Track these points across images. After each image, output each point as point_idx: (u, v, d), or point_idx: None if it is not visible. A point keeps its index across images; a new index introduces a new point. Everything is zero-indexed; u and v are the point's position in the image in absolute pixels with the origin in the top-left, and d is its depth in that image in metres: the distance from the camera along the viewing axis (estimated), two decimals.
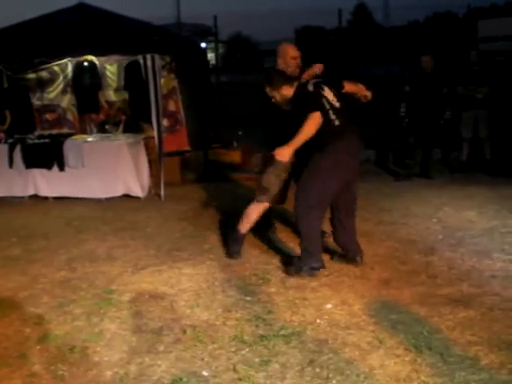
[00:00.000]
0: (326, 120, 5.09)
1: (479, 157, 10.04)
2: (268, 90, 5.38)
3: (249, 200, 8.01)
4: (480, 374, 3.56)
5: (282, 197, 5.94)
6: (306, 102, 5.16)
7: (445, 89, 9.35)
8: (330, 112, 5.16)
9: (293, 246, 6.01)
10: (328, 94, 5.24)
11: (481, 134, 9.77)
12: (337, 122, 5.17)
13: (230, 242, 5.98)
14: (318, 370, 3.67)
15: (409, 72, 10.41)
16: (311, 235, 5.23)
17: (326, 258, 5.50)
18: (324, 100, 5.19)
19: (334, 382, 3.54)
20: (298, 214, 5.23)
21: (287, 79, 5.38)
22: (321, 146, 5.15)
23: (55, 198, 8.68)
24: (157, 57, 8.83)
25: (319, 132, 5.04)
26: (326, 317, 4.42)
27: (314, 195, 5.12)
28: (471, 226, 6.70)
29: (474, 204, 7.56)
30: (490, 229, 6.56)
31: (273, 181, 5.72)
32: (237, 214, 7.30)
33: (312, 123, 5.01)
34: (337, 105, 5.23)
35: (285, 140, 5.12)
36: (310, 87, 5.26)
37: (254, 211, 5.86)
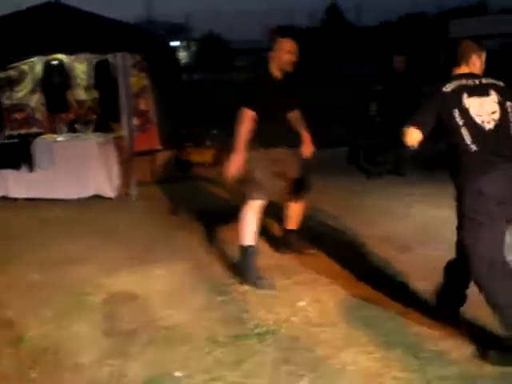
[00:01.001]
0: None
1: None
2: None
3: (222, 199, 8.08)
4: (451, 368, 3.60)
5: (295, 191, 5.51)
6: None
7: (417, 88, 9.41)
8: None
9: (262, 244, 6.02)
10: None
11: None
12: None
13: (244, 268, 5.17)
14: (292, 368, 3.67)
15: (380, 71, 10.48)
16: None
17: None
18: None
19: (307, 379, 3.55)
20: None
21: None
22: None
23: (26, 200, 8.57)
24: (127, 55, 8.77)
25: None
26: (300, 314, 4.43)
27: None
28: (443, 223, 6.73)
29: (446, 200, 7.56)
30: None
31: (261, 174, 5.16)
32: (209, 213, 7.34)
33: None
34: None
35: None
36: None
37: (249, 214, 5.16)
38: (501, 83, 3.92)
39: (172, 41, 19.16)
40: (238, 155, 5.00)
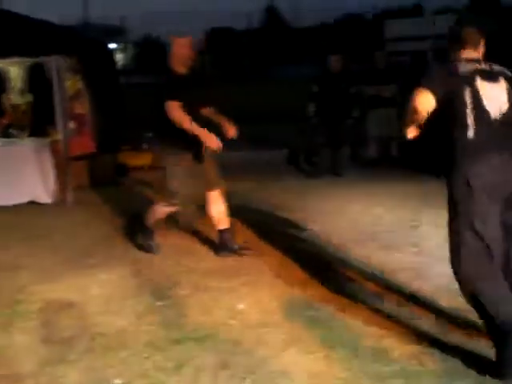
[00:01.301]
0: None
1: (386, 154, 10.31)
2: None
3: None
4: (392, 366, 3.62)
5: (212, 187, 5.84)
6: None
7: (353, 88, 9.54)
8: None
9: (201, 247, 6.07)
10: None
11: (388, 132, 10.02)
12: None
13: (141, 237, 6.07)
14: (232, 371, 3.64)
15: (317, 72, 10.57)
16: None
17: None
18: None
19: (248, 381, 3.53)
20: None
21: None
22: None
23: None
24: (61, 58, 8.64)
25: None
26: (240, 317, 4.41)
27: None
28: (380, 222, 6.86)
29: (383, 199, 7.74)
30: (398, 223, 6.74)
31: (177, 183, 5.63)
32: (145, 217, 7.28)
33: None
34: None
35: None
36: None
37: (158, 212, 5.91)
38: (509, 72, 3.83)
39: (109, 43, 18.91)
40: (202, 132, 5.37)
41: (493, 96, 3.65)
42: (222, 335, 4.12)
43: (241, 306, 4.60)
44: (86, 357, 3.92)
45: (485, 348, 3.72)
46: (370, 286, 4.92)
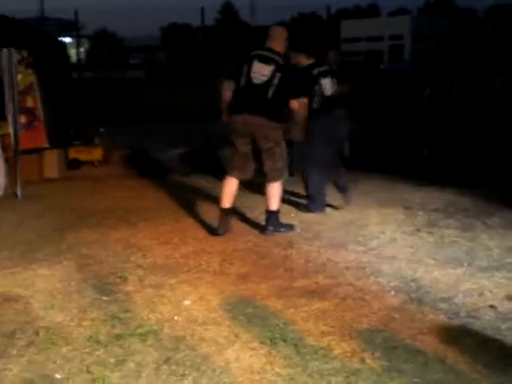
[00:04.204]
0: None
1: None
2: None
3: (109, 197, 8.04)
4: (332, 363, 3.68)
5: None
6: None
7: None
8: None
9: (150, 243, 6.10)
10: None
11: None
12: None
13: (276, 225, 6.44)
14: (174, 367, 3.67)
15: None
16: None
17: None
18: None
19: (189, 378, 3.56)
20: None
21: None
22: None
23: None
24: (13, 51, 8.55)
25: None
26: (184, 313, 4.43)
27: None
28: (328, 220, 6.95)
29: (331, 198, 7.83)
30: (346, 222, 6.83)
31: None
32: (95, 212, 7.29)
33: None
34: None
35: None
36: None
37: (280, 190, 6.53)
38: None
39: (64, 37, 18.74)
40: None
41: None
42: (166, 331, 4.14)
43: (186, 303, 4.63)
44: (28, 351, 3.91)
45: (427, 346, 3.86)
46: (313, 284, 4.99)
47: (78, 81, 13.88)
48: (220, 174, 7.25)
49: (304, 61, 7.28)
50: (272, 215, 6.36)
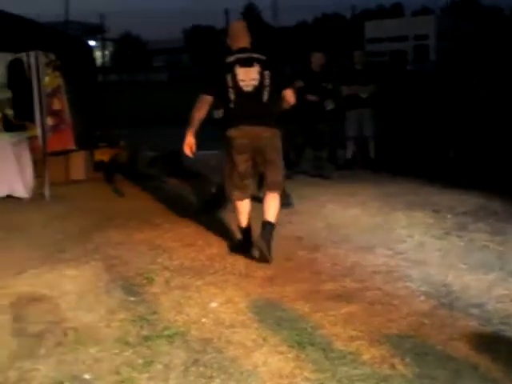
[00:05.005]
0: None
1: (364, 155, 10.36)
2: None
3: (136, 199, 8.07)
4: (362, 368, 3.63)
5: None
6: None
7: (329, 85, 9.52)
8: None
9: (175, 245, 6.09)
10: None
11: (366, 133, 10.07)
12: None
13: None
14: (201, 369, 3.66)
15: (296, 68, 10.54)
16: None
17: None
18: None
19: (217, 380, 3.53)
20: None
21: None
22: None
23: None
24: (40, 54, 8.62)
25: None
26: (211, 316, 4.41)
27: None
28: (355, 223, 6.90)
29: (358, 201, 7.78)
30: (373, 225, 6.77)
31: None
32: (121, 213, 7.32)
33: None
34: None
35: None
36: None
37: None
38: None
39: (88, 40, 18.86)
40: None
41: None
42: (193, 333, 4.13)
43: (213, 305, 4.61)
44: (57, 351, 3.92)
45: (458, 352, 3.79)
46: (341, 288, 4.94)
47: (103, 83, 13.93)
48: None
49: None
50: (271, 227, 5.65)
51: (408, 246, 6.00)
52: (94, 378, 3.61)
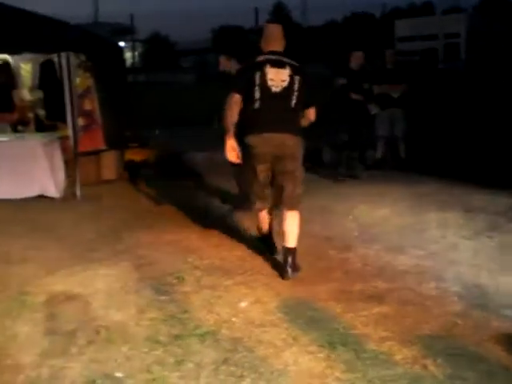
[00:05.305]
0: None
1: (394, 155, 10.29)
2: None
3: (168, 199, 8.11)
4: (394, 369, 3.62)
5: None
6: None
7: (366, 85, 9.49)
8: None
9: (206, 245, 6.12)
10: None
11: (396, 133, 10.01)
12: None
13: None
14: (232, 368, 3.66)
15: (335, 70, 10.49)
16: None
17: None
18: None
19: (248, 380, 3.54)
20: None
21: None
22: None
23: None
24: (72, 55, 8.70)
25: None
26: (241, 315, 4.42)
27: None
28: (386, 223, 6.86)
29: (389, 201, 7.73)
30: (404, 225, 6.73)
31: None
32: (151, 213, 7.35)
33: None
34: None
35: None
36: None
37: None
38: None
39: (118, 41, 18.99)
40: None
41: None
42: (224, 332, 4.14)
43: (243, 304, 4.62)
44: (89, 350, 3.95)
45: (491, 353, 3.76)
46: (372, 288, 4.92)
47: (132, 84, 14.05)
48: None
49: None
50: (294, 254, 5.26)
51: (440, 247, 5.95)
52: (126, 376, 3.63)
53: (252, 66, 5.28)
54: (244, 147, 5.27)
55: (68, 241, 6.41)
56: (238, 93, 5.21)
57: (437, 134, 10.71)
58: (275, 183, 5.42)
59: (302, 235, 6.23)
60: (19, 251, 6.09)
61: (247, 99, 5.21)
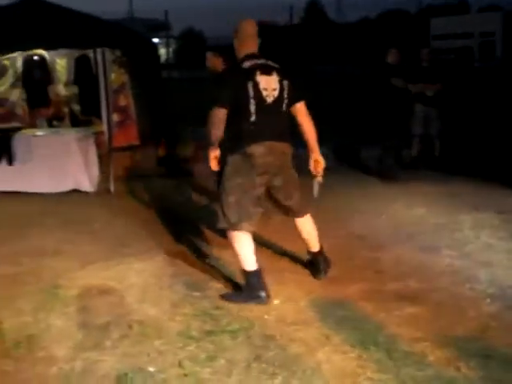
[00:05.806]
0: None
1: (429, 154, 10.20)
2: None
3: (201, 195, 8.12)
4: (426, 370, 3.59)
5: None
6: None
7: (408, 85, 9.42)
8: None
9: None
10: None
11: (431, 131, 9.93)
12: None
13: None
14: (264, 365, 3.67)
15: (373, 67, 10.42)
16: None
17: None
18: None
19: (280, 377, 3.54)
20: None
21: None
22: None
23: (2, 193, 8.52)
24: (107, 51, 8.77)
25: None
26: (274, 313, 4.43)
27: None
28: (420, 222, 6.80)
29: (424, 200, 7.66)
30: (438, 225, 6.66)
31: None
32: (185, 209, 7.37)
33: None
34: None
35: None
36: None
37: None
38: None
39: (152, 38, 19.07)
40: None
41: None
42: (256, 329, 4.15)
43: (275, 302, 4.62)
44: (122, 343, 3.99)
45: None
46: (405, 288, 4.89)
47: (167, 80, 14.11)
48: None
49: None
50: (322, 253, 5.16)
51: (474, 247, 5.88)
52: (158, 370, 3.65)
53: (239, 74, 4.71)
54: (240, 160, 4.69)
55: (101, 235, 6.48)
56: (225, 107, 4.62)
57: (471, 134, 10.58)
58: (274, 196, 4.94)
59: (335, 234, 6.23)
60: (53, 244, 6.17)
61: (239, 113, 4.65)
